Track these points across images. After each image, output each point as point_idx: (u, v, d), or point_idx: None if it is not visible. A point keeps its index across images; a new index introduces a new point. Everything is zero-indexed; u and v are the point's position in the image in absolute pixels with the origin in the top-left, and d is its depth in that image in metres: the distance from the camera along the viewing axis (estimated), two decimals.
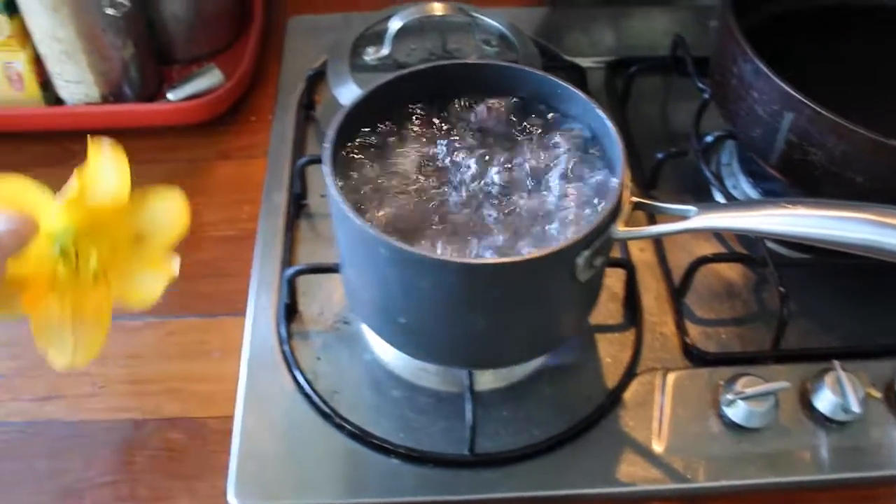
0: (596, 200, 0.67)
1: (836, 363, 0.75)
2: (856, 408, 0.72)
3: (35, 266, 0.63)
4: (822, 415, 0.75)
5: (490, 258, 0.64)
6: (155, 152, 0.99)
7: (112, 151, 0.64)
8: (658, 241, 0.89)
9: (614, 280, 0.84)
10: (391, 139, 0.73)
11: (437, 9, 0.96)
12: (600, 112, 0.69)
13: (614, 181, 0.66)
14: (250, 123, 1.03)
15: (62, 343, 0.66)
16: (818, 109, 0.74)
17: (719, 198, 0.91)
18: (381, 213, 0.67)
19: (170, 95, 1.00)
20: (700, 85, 0.98)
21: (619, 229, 0.64)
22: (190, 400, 0.78)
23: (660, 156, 0.93)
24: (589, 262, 0.63)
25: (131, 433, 0.76)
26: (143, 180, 0.94)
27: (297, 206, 0.92)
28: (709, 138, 0.92)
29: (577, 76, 1.05)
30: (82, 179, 0.62)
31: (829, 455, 0.74)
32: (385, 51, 0.96)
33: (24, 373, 0.80)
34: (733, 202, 0.88)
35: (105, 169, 0.63)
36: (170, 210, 0.68)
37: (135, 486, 0.74)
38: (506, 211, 0.68)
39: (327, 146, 0.66)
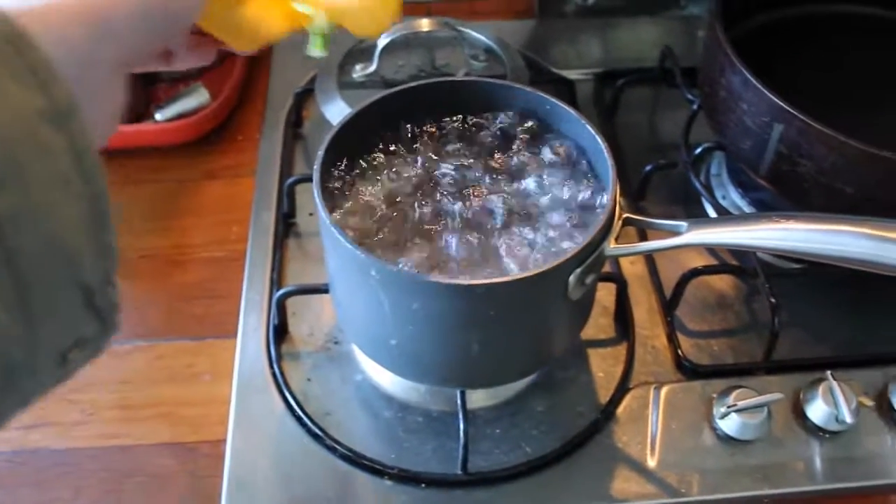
0: (585, 217, 0.67)
1: (829, 373, 0.75)
2: (848, 418, 0.72)
3: None
4: (814, 425, 0.75)
5: (481, 279, 0.63)
6: (142, 173, 0.98)
7: None
8: (648, 255, 0.89)
9: (605, 294, 0.84)
10: (380, 158, 0.73)
11: (424, 24, 0.96)
12: (590, 128, 0.69)
13: (605, 197, 0.66)
14: (237, 142, 1.03)
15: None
16: (808, 121, 0.74)
17: (709, 209, 0.91)
18: (371, 234, 0.67)
19: (157, 115, 1.00)
20: (689, 96, 0.98)
21: (611, 246, 0.63)
22: (180, 424, 0.77)
23: (648, 167, 0.93)
24: (581, 280, 0.62)
25: (120, 460, 0.75)
26: (131, 201, 0.95)
27: (286, 226, 0.91)
28: (698, 150, 0.91)
29: (566, 89, 1.05)
30: None
31: (823, 465, 0.74)
32: (372, 67, 0.96)
33: None
34: (724, 217, 0.87)
35: None
36: None
37: None
38: (496, 230, 0.67)
39: (316, 168, 0.66)
